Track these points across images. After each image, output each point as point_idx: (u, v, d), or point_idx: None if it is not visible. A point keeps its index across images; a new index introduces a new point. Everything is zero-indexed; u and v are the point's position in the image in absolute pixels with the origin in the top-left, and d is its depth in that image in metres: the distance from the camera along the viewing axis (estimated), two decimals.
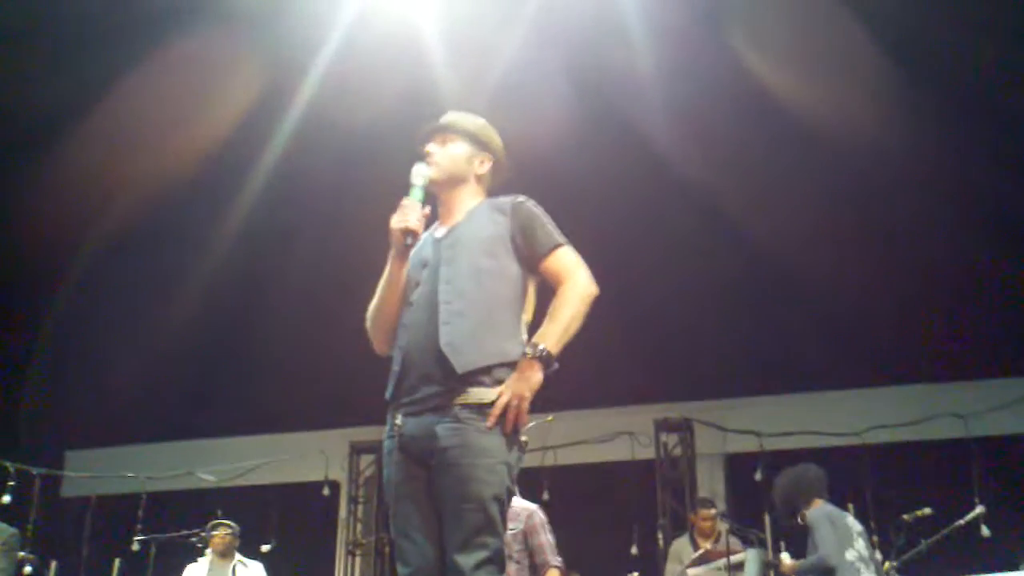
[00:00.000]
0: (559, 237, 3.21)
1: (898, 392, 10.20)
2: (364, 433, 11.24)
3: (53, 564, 8.01)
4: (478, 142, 3.38)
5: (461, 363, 2.97)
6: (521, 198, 3.28)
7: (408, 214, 3.13)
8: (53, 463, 11.10)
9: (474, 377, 2.97)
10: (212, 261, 8.67)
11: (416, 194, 3.21)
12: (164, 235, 8.41)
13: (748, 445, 9.55)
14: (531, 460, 9.46)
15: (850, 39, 6.60)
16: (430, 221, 3.29)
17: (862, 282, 8.70)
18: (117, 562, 7.87)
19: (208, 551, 7.82)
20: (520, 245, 3.18)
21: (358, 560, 11.03)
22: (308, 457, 10.84)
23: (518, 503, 5.49)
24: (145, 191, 7.81)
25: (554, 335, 3.00)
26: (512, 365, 3.01)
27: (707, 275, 8.52)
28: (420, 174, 3.26)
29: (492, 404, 2.94)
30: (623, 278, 8.61)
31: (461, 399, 2.95)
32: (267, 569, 8.08)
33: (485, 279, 3.11)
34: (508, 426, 2.94)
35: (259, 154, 7.83)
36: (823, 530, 5.91)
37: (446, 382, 2.98)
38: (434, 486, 2.97)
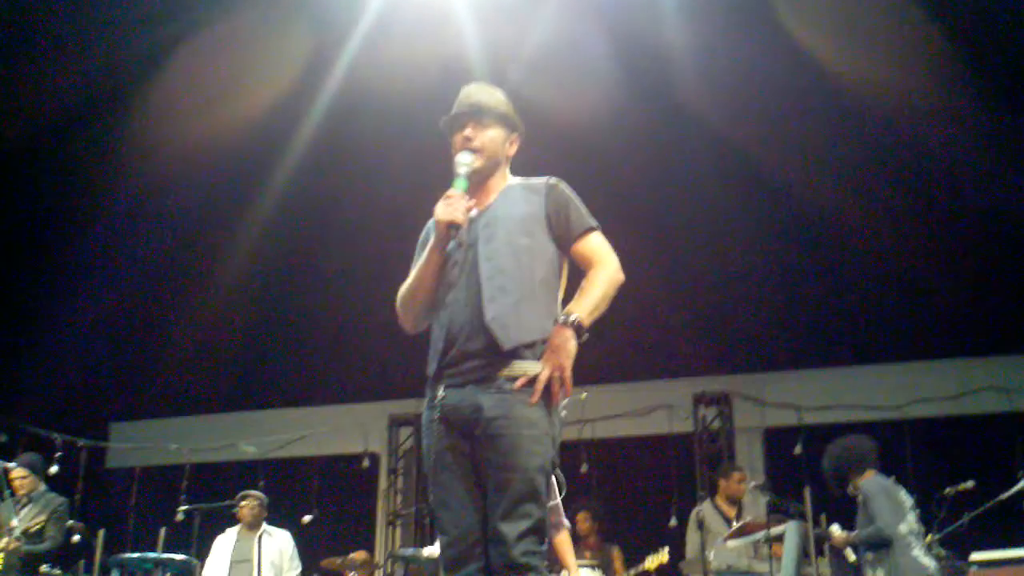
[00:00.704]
0: (592, 221, 3.24)
1: (939, 366, 10.11)
2: (403, 406, 11.33)
3: (101, 533, 8.15)
4: (509, 123, 3.39)
5: (506, 338, 3.01)
6: (554, 179, 3.30)
7: (456, 207, 3.14)
8: (98, 435, 11.29)
9: (517, 350, 3.01)
10: (255, 235, 8.75)
11: (461, 184, 3.21)
12: (207, 209, 8.48)
13: (787, 419, 9.51)
14: (570, 433, 9.48)
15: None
16: None
17: (904, 255, 8.60)
18: (163, 531, 8.00)
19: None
20: (554, 225, 3.21)
21: (398, 530, 11.14)
22: (348, 429, 10.95)
23: None
24: (189, 163, 7.87)
25: (585, 309, 3.05)
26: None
27: (746, 249, 8.47)
28: (464, 163, 3.26)
29: (536, 376, 2.97)
30: (662, 252, 8.60)
31: (506, 371, 3.00)
32: (295, 538, 8.19)
33: (523, 257, 3.14)
34: (555, 398, 2.98)
35: (299, 130, 7.87)
36: (879, 501, 5.86)
37: (490, 356, 3.02)
38: (478, 456, 3.00)
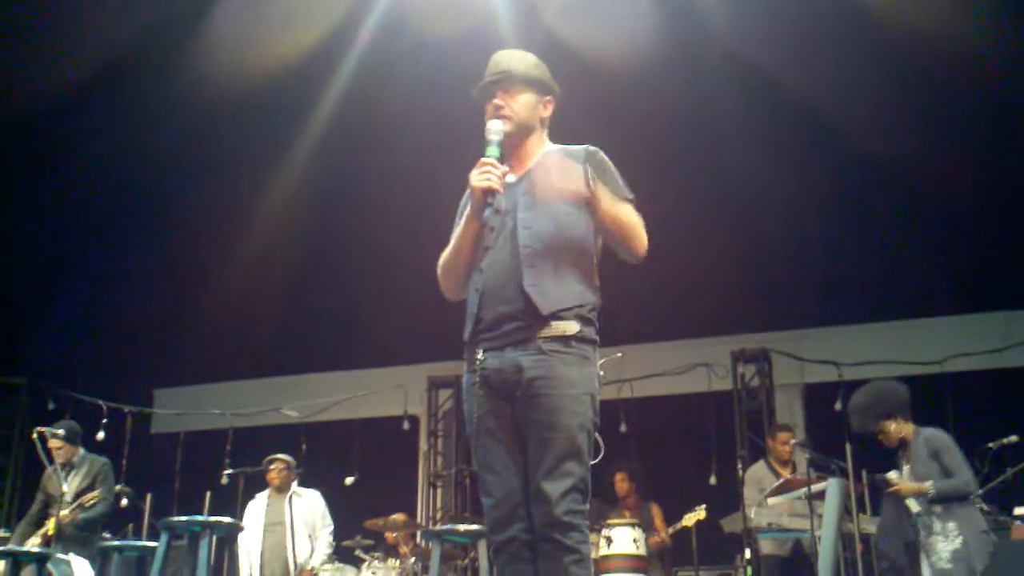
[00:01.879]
0: (628, 192, 3.24)
1: (980, 319, 10.00)
2: (442, 368, 11.39)
3: (148, 497, 8.30)
4: (541, 86, 3.36)
5: (545, 304, 3.04)
6: (593, 148, 3.29)
7: (491, 174, 3.12)
8: (143, 402, 11.46)
9: (555, 313, 3.04)
10: (292, 199, 8.77)
11: (493, 151, 3.20)
12: (243, 171, 8.50)
13: (827, 375, 9.46)
14: (608, 392, 9.49)
15: None
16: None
17: (943, 208, 8.49)
18: (208, 495, 8.13)
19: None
20: (592, 189, 3.21)
21: (439, 491, 11.25)
22: (388, 392, 11.02)
23: None
24: (226, 118, 7.86)
25: (613, 203, 3.18)
26: (589, 308, 3.11)
27: (784, 206, 8.37)
28: (495, 130, 3.24)
29: (575, 336, 3.00)
30: (699, 209, 8.55)
31: (545, 332, 3.02)
32: (338, 500, 8.29)
33: (563, 223, 3.15)
34: None
35: (328, 90, 7.82)
36: (957, 455, 5.69)
37: (528, 319, 3.04)
38: (520, 417, 3.03)
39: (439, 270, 3.33)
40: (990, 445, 6.20)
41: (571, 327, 3.02)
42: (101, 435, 8.20)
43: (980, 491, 6.00)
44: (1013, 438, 6.20)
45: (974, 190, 8.20)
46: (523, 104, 3.30)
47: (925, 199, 8.38)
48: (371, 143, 8.17)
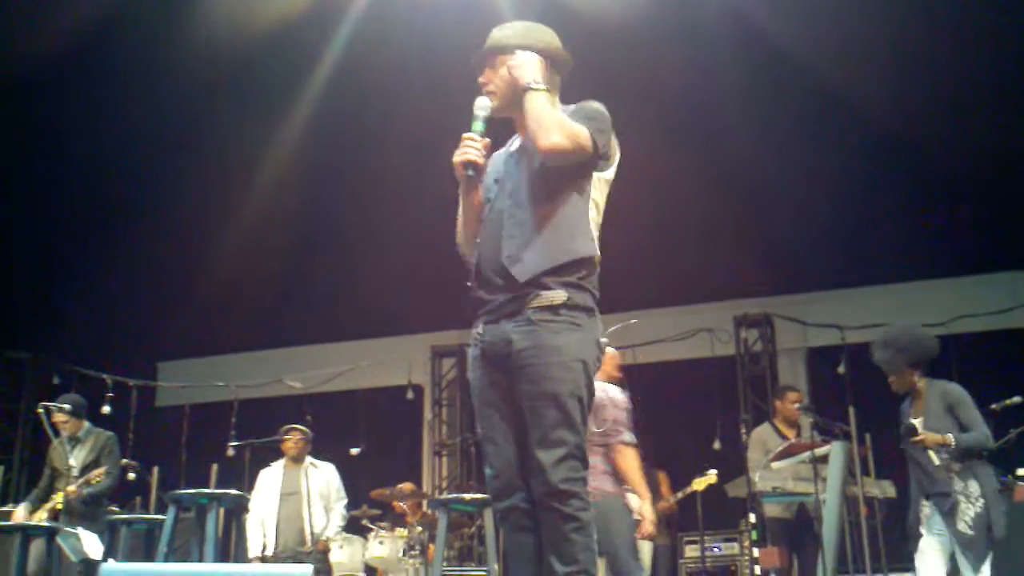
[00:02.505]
0: (588, 124, 3.10)
1: (983, 280, 9.99)
2: (445, 337, 11.42)
3: (155, 470, 8.33)
4: (540, 55, 3.30)
5: (520, 272, 3.03)
6: (587, 102, 3.24)
7: (468, 147, 3.13)
8: (147, 375, 11.49)
9: (541, 280, 3.02)
10: (291, 169, 8.73)
11: (477, 126, 3.21)
12: (242, 141, 8.45)
13: (830, 339, 9.46)
14: None
15: None
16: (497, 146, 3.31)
17: (945, 169, 8.45)
18: (214, 467, 8.16)
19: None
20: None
21: (444, 460, 11.31)
22: (392, 362, 11.05)
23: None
24: (223, 87, 7.81)
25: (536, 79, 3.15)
26: (581, 262, 3.05)
27: (785, 170, 8.33)
28: (480, 106, 3.25)
29: (564, 304, 2.99)
30: (699, 177, 8.51)
31: (533, 303, 3.01)
32: (342, 470, 8.32)
33: (543, 185, 3.12)
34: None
35: (326, 52, 7.70)
36: (974, 410, 5.51)
37: (516, 290, 3.04)
38: (513, 388, 3.04)
39: (459, 247, 3.36)
40: (994, 406, 6.18)
41: (559, 296, 2.99)
42: (107, 409, 8.21)
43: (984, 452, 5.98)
44: (1017, 399, 6.19)
45: (978, 151, 8.15)
46: (503, 77, 3.27)
47: (929, 161, 8.33)
48: (368, 111, 8.11)
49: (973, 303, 9.47)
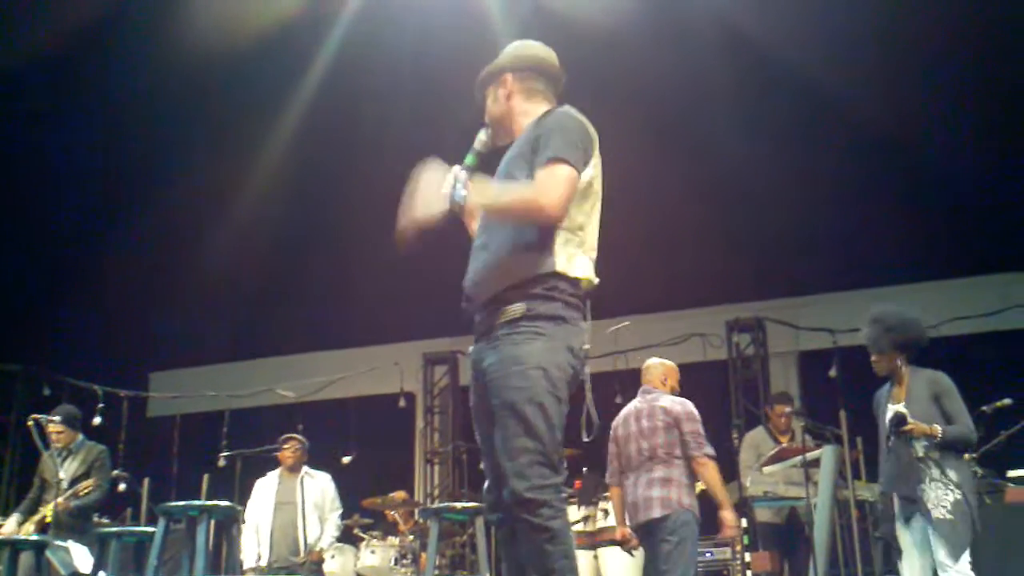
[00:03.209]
0: (556, 150, 2.99)
1: (974, 283, 10.01)
2: (437, 345, 11.39)
3: (146, 481, 8.29)
4: (497, 74, 3.32)
5: (478, 292, 3.09)
6: (556, 108, 3.21)
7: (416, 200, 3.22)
8: (139, 385, 11.44)
9: (503, 296, 3.01)
10: (283, 175, 8.72)
11: (468, 159, 3.24)
12: (231, 148, 8.43)
13: (821, 342, 9.44)
14: (603, 365, 9.48)
15: None
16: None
17: (935, 172, 8.46)
18: (206, 477, 8.12)
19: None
20: (531, 156, 3.06)
21: (436, 468, 11.28)
22: (383, 370, 11.02)
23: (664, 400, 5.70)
24: (211, 99, 7.80)
25: (487, 194, 3.09)
26: (545, 276, 2.99)
27: (775, 173, 8.34)
28: (477, 139, 3.30)
29: (523, 316, 2.96)
30: (690, 181, 8.51)
31: (499, 319, 3.01)
32: (335, 479, 8.29)
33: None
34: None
35: (316, 56, 7.70)
36: (960, 400, 5.24)
37: (483, 310, 3.08)
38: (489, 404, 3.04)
39: None
40: (984, 408, 6.20)
41: (518, 309, 2.97)
42: (97, 420, 8.17)
43: (975, 454, 5.99)
44: (1007, 401, 6.21)
45: (970, 154, 8.17)
46: (489, 105, 3.34)
47: (920, 164, 8.35)
48: (361, 115, 8.11)
49: (964, 305, 9.49)
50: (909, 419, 5.18)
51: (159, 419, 11.70)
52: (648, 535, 5.54)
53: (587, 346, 3.08)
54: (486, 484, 3.12)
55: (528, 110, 3.28)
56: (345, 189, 8.87)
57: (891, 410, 5.29)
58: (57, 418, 7.11)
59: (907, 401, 5.31)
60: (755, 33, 7.12)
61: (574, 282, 3.04)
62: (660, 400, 5.75)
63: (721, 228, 9.18)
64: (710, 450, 5.62)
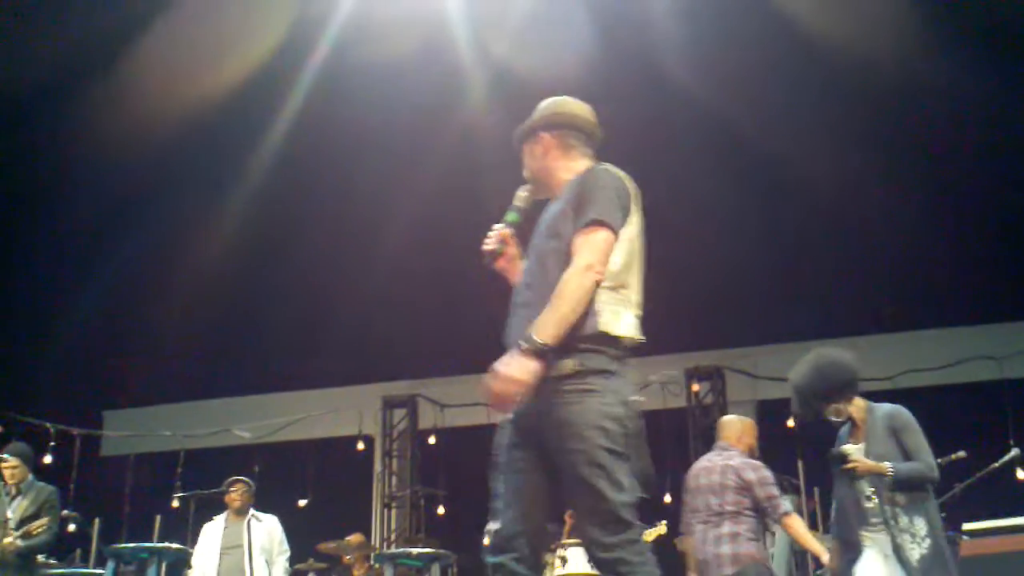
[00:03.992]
0: (595, 213, 3.05)
1: (930, 336, 10.15)
2: (396, 388, 11.33)
3: (96, 522, 8.15)
4: (530, 133, 3.36)
5: None
6: (596, 167, 3.23)
7: (487, 240, 3.28)
8: (92, 423, 11.29)
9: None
10: (242, 218, 8.70)
11: (509, 216, 3.31)
12: (193, 192, 8.42)
13: (780, 391, 9.51)
14: None
15: None
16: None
17: (893, 227, 8.60)
18: (158, 519, 8.01)
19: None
20: (574, 216, 3.09)
21: (394, 512, 11.17)
22: (342, 412, 10.96)
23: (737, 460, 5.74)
24: (169, 143, 7.80)
25: (550, 324, 2.94)
26: (588, 339, 2.99)
27: (735, 224, 8.45)
28: (517, 196, 3.35)
29: (573, 373, 2.95)
30: (650, 228, 8.58)
31: (550, 372, 2.95)
32: (292, 522, 8.19)
33: (550, 262, 3.09)
34: (494, 405, 2.98)
35: (283, 104, 7.78)
36: (920, 435, 4.88)
37: None
38: (543, 458, 3.03)
39: None
40: (939, 461, 6.21)
41: (567, 365, 2.96)
42: (49, 459, 8.05)
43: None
44: (962, 453, 6.23)
45: (922, 211, 8.32)
46: (528, 162, 3.36)
47: (875, 221, 8.50)
48: (324, 162, 8.14)
49: (919, 358, 9.61)
50: (852, 456, 4.88)
51: (112, 458, 11.52)
52: None
53: (636, 397, 3.10)
54: (496, 525, 3.09)
55: (568, 166, 3.31)
56: (306, 233, 8.88)
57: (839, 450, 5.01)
58: (10, 456, 6.98)
59: (867, 440, 4.99)
60: (718, 98, 7.29)
61: (617, 340, 3.06)
62: (733, 460, 5.76)
63: (681, 276, 9.23)
64: (787, 506, 5.70)
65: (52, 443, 8.45)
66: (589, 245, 3.02)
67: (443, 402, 10.70)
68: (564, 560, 7.15)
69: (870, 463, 4.81)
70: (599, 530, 2.90)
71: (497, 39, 6.98)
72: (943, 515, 5.18)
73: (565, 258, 3.04)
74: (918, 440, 4.87)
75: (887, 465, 4.77)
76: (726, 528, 5.58)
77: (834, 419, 5.08)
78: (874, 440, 4.93)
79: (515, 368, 2.88)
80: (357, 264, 8.94)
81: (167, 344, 9.99)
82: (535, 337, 2.89)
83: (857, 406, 5.03)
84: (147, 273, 9.37)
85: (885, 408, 5.03)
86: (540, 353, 2.90)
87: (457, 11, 6.96)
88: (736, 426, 6.02)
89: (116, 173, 8.02)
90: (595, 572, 5.73)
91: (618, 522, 2.91)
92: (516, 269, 3.32)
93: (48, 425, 8.85)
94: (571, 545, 7.34)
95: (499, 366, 2.90)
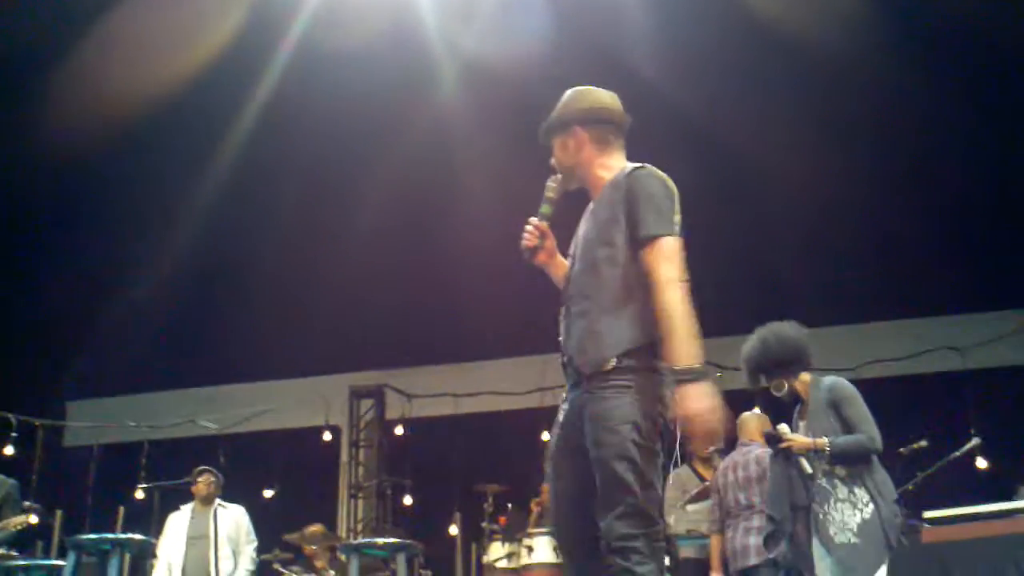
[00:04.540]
0: (654, 228, 3.05)
1: (893, 326, 10.25)
2: (363, 378, 11.30)
3: (59, 513, 8.08)
4: (562, 125, 3.31)
5: (585, 364, 3.06)
6: (635, 169, 3.19)
7: (525, 235, 3.27)
8: (55, 414, 11.17)
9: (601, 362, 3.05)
10: (208, 207, 8.63)
11: (543, 209, 3.28)
12: (156, 182, 8.35)
13: (743, 383, 9.57)
14: (530, 401, 9.51)
15: None
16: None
17: (854, 216, 8.68)
18: (121, 510, 7.95)
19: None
20: (629, 226, 3.09)
21: (360, 503, 11.15)
22: (309, 403, 10.91)
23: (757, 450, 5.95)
24: (133, 134, 7.73)
25: (683, 346, 2.95)
26: (637, 351, 3.02)
27: (699, 214, 8.44)
28: (548, 187, 3.31)
29: (613, 369, 3.00)
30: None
31: (591, 368, 3.04)
32: (258, 513, 8.17)
33: (603, 270, 3.11)
34: (699, 449, 3.10)
35: (251, 94, 7.73)
36: (862, 407, 4.80)
37: (578, 374, 3.10)
38: (582, 454, 3.07)
39: None
40: (901, 450, 6.30)
41: (608, 363, 3.02)
42: (10, 449, 7.96)
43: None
44: (923, 443, 6.31)
45: (884, 203, 8.41)
46: (558, 153, 3.32)
47: (838, 212, 8.56)
48: (292, 151, 8.09)
49: (881, 348, 9.71)
50: (786, 436, 4.85)
51: (75, 449, 11.41)
52: None
53: (669, 391, 3.09)
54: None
55: (604, 163, 3.28)
56: (272, 221, 8.81)
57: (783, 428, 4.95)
58: None
59: (809, 417, 4.89)
60: (676, 96, 7.32)
61: (654, 341, 3.05)
62: (754, 451, 6.02)
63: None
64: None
65: (14, 434, 8.34)
66: (664, 259, 3.03)
67: (410, 392, 10.74)
68: (530, 549, 7.16)
69: (805, 440, 4.77)
70: (622, 522, 2.94)
71: (466, 25, 6.96)
72: (900, 499, 5.22)
73: (622, 263, 3.07)
74: (859, 411, 4.78)
75: (824, 440, 4.69)
76: (755, 521, 5.79)
77: (775, 393, 5.06)
78: (816, 415, 4.86)
79: (698, 401, 2.91)
80: (324, 253, 8.89)
81: (131, 333, 9.89)
82: (684, 367, 2.93)
83: (803, 382, 4.98)
84: (110, 262, 9.27)
85: (827, 382, 4.96)
86: (701, 375, 2.94)
87: (424, 4, 6.95)
88: (754, 422, 6.27)
89: (80, 160, 7.91)
90: (559, 561, 5.78)
91: (643, 516, 2.96)
92: (556, 263, 3.34)
93: (10, 416, 8.74)
94: (537, 534, 7.36)
95: (686, 410, 2.92)
